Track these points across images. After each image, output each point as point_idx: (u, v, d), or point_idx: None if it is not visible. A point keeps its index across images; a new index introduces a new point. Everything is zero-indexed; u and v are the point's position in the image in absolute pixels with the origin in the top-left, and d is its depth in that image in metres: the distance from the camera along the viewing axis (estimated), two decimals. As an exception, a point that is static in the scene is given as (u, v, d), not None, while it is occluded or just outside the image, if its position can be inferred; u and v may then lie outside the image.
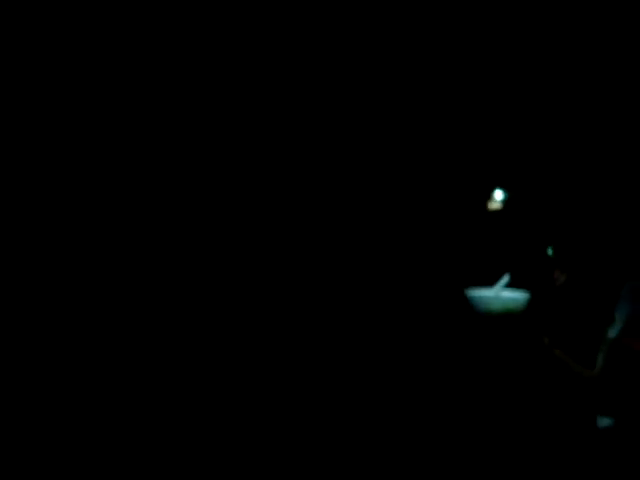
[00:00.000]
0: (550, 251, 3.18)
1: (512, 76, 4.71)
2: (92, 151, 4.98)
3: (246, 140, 5.21)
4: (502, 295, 3.21)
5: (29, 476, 4.20)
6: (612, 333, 2.70)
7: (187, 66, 5.20)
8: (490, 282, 3.30)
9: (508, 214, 4.15)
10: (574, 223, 3.22)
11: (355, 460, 3.86)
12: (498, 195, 4.24)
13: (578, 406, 2.90)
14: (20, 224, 4.81)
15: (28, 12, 5.00)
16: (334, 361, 4.19)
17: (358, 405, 4.02)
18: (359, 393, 4.06)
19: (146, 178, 5.20)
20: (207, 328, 4.81)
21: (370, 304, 4.18)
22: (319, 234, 4.67)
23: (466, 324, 3.31)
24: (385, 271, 4.19)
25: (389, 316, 4.07)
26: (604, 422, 2.80)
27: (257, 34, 5.11)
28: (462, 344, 3.55)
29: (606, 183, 3.66)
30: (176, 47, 5.17)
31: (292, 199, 4.95)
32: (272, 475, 4.04)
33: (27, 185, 4.82)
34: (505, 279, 3.26)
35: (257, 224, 4.90)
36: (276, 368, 4.46)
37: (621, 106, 4.17)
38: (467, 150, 4.53)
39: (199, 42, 5.14)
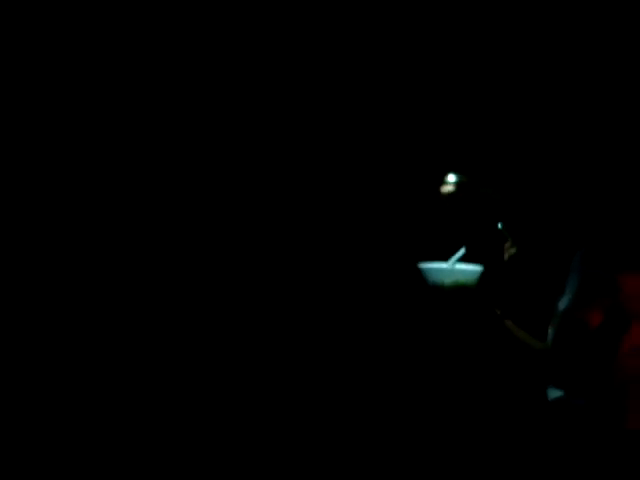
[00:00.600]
0: (500, 225, 3.22)
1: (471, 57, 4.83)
2: (91, 151, 4.97)
3: (244, 140, 5.14)
4: (455, 268, 3.24)
5: (29, 476, 4.23)
6: (562, 305, 2.74)
7: (186, 66, 5.15)
8: (444, 256, 3.35)
9: (461, 195, 4.26)
10: (523, 197, 3.26)
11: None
12: (451, 178, 4.34)
13: (529, 377, 2.95)
14: (19, 225, 4.80)
15: (27, 12, 4.98)
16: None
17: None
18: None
19: (144, 178, 5.16)
20: (205, 328, 4.78)
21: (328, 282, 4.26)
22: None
23: (419, 296, 3.35)
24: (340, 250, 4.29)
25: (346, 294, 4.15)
26: (555, 394, 2.84)
27: (256, 35, 5.05)
28: (416, 315, 3.61)
29: (555, 160, 3.73)
30: (175, 47, 5.12)
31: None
32: (271, 475, 4.09)
33: (26, 185, 4.81)
34: (459, 253, 3.29)
35: (252, 224, 4.85)
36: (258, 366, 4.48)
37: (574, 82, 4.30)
38: (423, 133, 4.67)
39: (198, 42, 5.08)
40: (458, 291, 3.17)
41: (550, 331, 2.81)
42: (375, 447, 3.87)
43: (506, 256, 3.17)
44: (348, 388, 4.05)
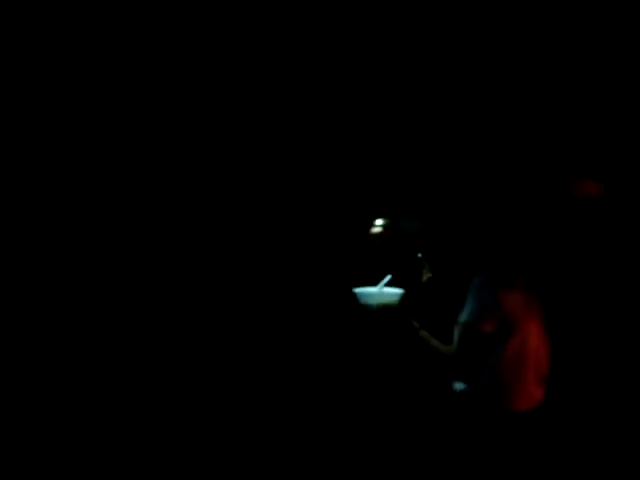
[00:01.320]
0: (419, 255, 4.03)
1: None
2: (90, 151, 5.00)
3: (242, 141, 5.33)
4: (383, 291, 4.04)
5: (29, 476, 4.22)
6: (462, 318, 3.51)
7: (185, 67, 5.20)
8: (375, 282, 4.13)
9: (387, 234, 4.98)
10: (436, 235, 4.05)
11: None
12: (379, 222, 5.07)
13: (439, 374, 3.71)
14: (20, 224, 4.76)
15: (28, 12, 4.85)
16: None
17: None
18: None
19: (143, 177, 5.24)
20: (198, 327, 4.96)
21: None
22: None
23: (353, 315, 4.11)
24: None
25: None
26: (459, 386, 3.61)
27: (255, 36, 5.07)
28: (349, 331, 4.34)
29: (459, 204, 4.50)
30: (175, 48, 5.12)
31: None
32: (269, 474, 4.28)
33: (27, 185, 4.81)
34: (386, 279, 4.08)
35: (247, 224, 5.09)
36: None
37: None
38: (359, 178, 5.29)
39: (198, 43, 5.08)
40: (384, 309, 3.96)
41: (454, 338, 3.58)
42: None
43: (424, 279, 3.97)
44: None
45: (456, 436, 3.59)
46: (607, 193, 3.70)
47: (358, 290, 4.06)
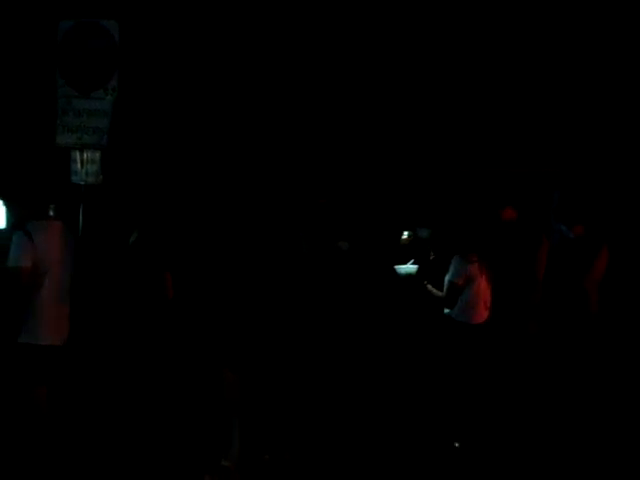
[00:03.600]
0: (423, 233, 7.53)
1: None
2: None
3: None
4: (409, 267, 7.58)
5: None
6: (448, 277, 6.96)
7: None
8: (404, 262, 7.64)
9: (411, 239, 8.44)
10: (437, 237, 7.55)
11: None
12: (405, 233, 8.62)
13: (438, 307, 7.11)
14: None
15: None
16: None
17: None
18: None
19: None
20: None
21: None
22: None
23: (394, 280, 7.55)
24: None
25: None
26: (446, 311, 7.04)
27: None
28: (394, 289, 7.72)
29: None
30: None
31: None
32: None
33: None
34: (411, 261, 7.63)
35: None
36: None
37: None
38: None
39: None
40: (409, 276, 7.49)
41: (444, 288, 7.03)
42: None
43: (430, 258, 7.45)
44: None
45: (442, 338, 6.99)
46: (519, 217, 7.15)
47: (397, 267, 7.60)
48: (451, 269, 6.93)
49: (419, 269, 7.54)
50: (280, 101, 7.51)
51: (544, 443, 6.31)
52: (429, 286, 7.20)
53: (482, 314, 6.89)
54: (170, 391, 6.16)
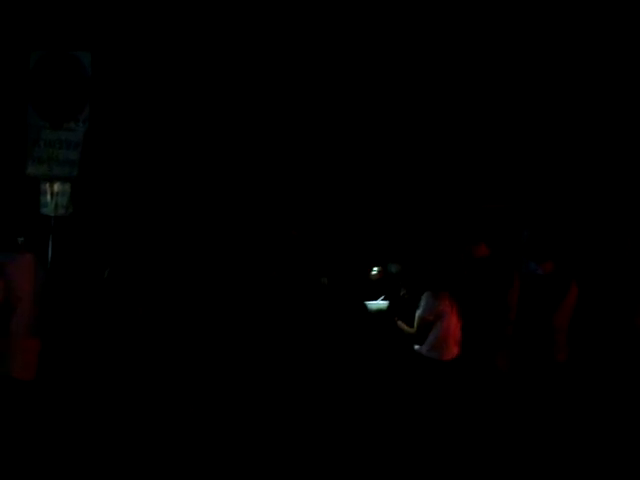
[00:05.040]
0: (393, 269, 7.54)
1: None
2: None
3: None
4: (380, 303, 7.58)
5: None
6: (418, 313, 6.97)
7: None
8: (375, 299, 7.64)
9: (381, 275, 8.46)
10: (407, 273, 7.56)
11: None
12: (375, 268, 8.60)
13: (407, 343, 7.13)
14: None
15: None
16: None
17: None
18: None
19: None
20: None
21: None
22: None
23: (362, 316, 7.54)
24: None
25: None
26: (416, 347, 7.03)
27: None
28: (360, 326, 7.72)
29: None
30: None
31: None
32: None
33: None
34: (381, 297, 7.62)
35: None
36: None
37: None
38: None
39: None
40: (379, 312, 7.48)
41: (415, 323, 7.04)
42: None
43: (401, 295, 7.45)
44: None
45: (411, 375, 6.98)
46: (491, 254, 7.19)
47: (367, 303, 7.60)
48: (422, 305, 6.94)
49: (390, 305, 7.53)
50: (246, 139, 7.59)
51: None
52: (400, 322, 7.19)
53: (452, 350, 6.89)
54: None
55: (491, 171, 8.84)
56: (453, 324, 6.89)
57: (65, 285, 5.98)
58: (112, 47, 6.99)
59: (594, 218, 8.70)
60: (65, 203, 6.16)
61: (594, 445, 6.65)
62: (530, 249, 7.63)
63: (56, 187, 6.12)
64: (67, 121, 6.11)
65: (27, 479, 5.00)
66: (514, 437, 6.64)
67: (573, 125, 8.43)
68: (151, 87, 7.47)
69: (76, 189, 6.24)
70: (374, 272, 8.48)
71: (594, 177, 8.61)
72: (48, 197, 6.12)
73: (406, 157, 8.51)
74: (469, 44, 7.51)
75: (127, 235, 6.73)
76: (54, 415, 5.72)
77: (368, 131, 8.20)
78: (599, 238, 8.58)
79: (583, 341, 7.52)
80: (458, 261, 7.03)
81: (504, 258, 7.09)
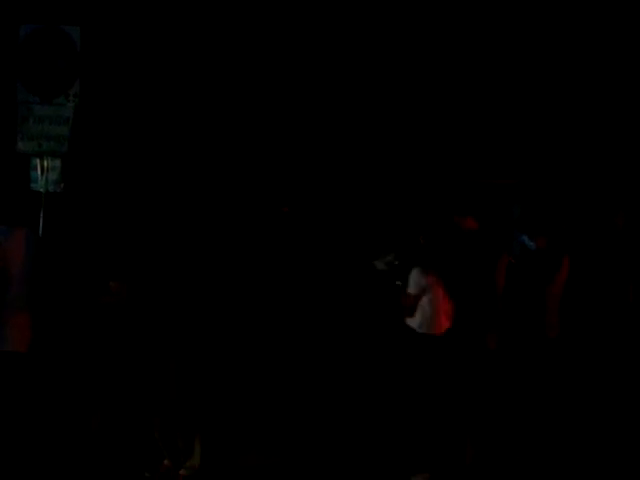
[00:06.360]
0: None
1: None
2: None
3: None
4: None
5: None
6: (408, 288, 6.99)
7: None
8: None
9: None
10: (401, 260, 7.57)
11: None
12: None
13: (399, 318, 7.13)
14: None
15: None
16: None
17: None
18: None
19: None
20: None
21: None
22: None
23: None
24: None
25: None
26: (408, 322, 7.06)
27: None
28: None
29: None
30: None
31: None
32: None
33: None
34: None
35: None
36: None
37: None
38: None
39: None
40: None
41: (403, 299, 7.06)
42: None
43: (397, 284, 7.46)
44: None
45: (404, 348, 7.00)
46: (480, 228, 7.18)
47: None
48: (411, 281, 6.94)
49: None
50: (243, 114, 7.51)
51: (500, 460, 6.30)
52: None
53: (442, 324, 6.88)
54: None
55: (486, 147, 8.80)
56: (440, 297, 6.87)
57: (56, 261, 5.93)
58: (103, 22, 6.91)
59: (587, 192, 8.69)
60: (55, 179, 6.15)
61: (584, 421, 6.69)
62: (523, 224, 7.63)
63: (46, 163, 6.10)
64: (57, 96, 6.07)
65: (18, 452, 5.06)
66: (504, 413, 6.67)
67: (565, 100, 8.38)
68: (141, 61, 7.42)
69: (67, 165, 6.18)
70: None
71: (587, 153, 8.58)
72: (38, 173, 6.10)
73: (397, 132, 8.46)
74: (469, 27, 7.69)
75: (118, 213, 6.61)
76: (47, 388, 5.77)
77: (363, 107, 8.22)
78: (592, 213, 8.57)
79: (575, 317, 7.55)
80: (445, 234, 7.03)
81: (493, 233, 7.10)
